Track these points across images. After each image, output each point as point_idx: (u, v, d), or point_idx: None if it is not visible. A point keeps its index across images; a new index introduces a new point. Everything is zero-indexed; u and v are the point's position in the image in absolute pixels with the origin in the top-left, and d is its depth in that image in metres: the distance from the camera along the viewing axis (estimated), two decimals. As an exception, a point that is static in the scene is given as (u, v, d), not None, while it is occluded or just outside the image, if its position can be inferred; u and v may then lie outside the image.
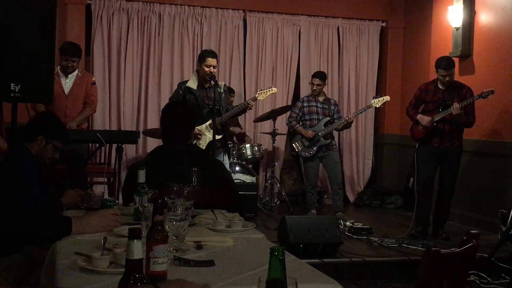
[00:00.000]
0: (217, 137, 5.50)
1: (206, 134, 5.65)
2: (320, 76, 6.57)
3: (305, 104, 6.58)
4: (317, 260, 4.41)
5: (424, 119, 5.56)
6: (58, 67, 5.56)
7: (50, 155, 3.12)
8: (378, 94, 6.72)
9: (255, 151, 6.98)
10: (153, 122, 7.14)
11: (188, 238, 2.28)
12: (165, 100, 6.69)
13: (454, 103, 5.35)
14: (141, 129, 7.11)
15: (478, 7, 6.49)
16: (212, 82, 5.48)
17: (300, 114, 6.57)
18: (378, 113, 8.22)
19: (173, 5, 7.36)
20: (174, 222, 2.12)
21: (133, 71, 7.27)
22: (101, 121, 7.13)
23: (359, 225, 5.95)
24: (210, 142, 5.57)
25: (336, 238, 4.78)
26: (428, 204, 5.70)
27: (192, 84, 5.65)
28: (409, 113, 5.79)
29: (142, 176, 2.78)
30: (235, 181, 5.74)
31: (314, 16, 7.89)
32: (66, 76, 5.59)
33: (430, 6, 7.36)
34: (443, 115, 5.44)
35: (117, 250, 1.94)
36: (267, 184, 7.18)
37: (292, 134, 6.75)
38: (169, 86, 7.25)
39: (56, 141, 3.13)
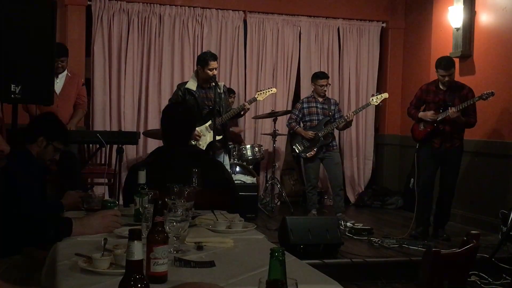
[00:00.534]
0: (217, 137, 5.50)
1: (206, 135, 5.66)
2: (326, 75, 6.63)
3: (305, 105, 6.58)
4: (317, 261, 4.41)
5: (427, 114, 5.55)
6: None
7: (51, 156, 3.12)
8: (378, 92, 6.72)
9: (256, 151, 6.98)
10: (154, 123, 7.14)
11: (188, 239, 2.28)
12: (165, 101, 6.69)
13: (451, 108, 5.35)
14: (141, 130, 7.11)
15: (478, 7, 6.49)
16: (212, 83, 5.49)
17: (300, 115, 6.58)
18: (379, 114, 8.23)
19: (174, 6, 7.36)
20: (174, 223, 2.12)
21: (134, 72, 7.28)
22: (101, 122, 7.13)
23: (360, 225, 5.94)
24: (210, 143, 5.58)
25: (337, 239, 4.78)
26: (428, 204, 5.69)
27: (192, 85, 5.66)
28: (410, 113, 5.78)
29: (142, 177, 2.78)
30: (236, 181, 5.73)
31: (314, 16, 7.89)
32: (56, 77, 5.62)
33: (431, 6, 7.36)
34: (443, 116, 5.43)
35: (117, 251, 1.93)
36: (267, 185, 7.19)
37: (292, 136, 6.76)
38: (169, 87, 7.25)
39: (57, 142, 3.13)
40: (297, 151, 6.53)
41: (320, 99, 6.56)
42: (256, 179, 6.85)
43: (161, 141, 3.57)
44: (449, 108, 5.37)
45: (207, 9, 7.48)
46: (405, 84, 8.04)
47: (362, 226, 5.91)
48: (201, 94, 5.66)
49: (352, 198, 8.02)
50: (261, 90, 6.27)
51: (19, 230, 2.43)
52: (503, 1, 6.14)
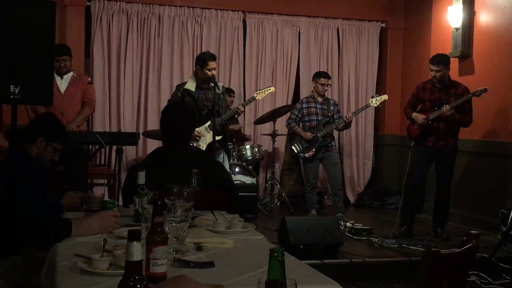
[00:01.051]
0: (217, 138, 5.50)
1: (205, 135, 5.65)
2: (328, 75, 6.65)
3: (304, 106, 6.59)
4: (317, 261, 4.41)
5: (419, 117, 5.56)
6: (53, 71, 5.60)
7: (50, 156, 3.12)
8: (377, 94, 6.73)
9: (255, 152, 6.98)
10: (153, 123, 7.14)
11: (188, 239, 2.28)
12: (165, 102, 6.69)
13: (444, 105, 5.36)
14: (141, 130, 7.11)
15: (477, 7, 6.49)
16: (211, 84, 5.49)
17: (300, 116, 6.58)
18: (378, 114, 8.23)
19: (173, 7, 7.36)
20: (174, 224, 2.12)
21: (133, 73, 7.27)
22: (101, 123, 7.13)
23: (360, 225, 5.94)
24: (210, 143, 5.57)
25: (337, 239, 4.78)
26: (414, 203, 5.71)
27: (191, 86, 5.66)
28: (405, 112, 5.82)
29: (142, 177, 2.78)
30: (235, 182, 5.74)
31: (313, 17, 7.89)
32: (61, 77, 5.63)
33: (430, 6, 7.36)
34: (437, 114, 5.45)
35: (117, 252, 1.93)
36: (267, 185, 7.18)
37: (291, 136, 6.77)
38: (169, 87, 7.25)
39: (56, 143, 3.13)
40: (295, 151, 6.54)
41: (320, 99, 6.57)
42: (256, 179, 6.85)
43: (160, 141, 3.58)
44: (443, 105, 5.38)
45: (207, 10, 7.48)
46: (404, 84, 8.04)
47: (362, 226, 5.91)
48: (200, 95, 5.66)
49: (351, 198, 8.02)
50: (260, 89, 6.27)
51: (19, 230, 2.43)
52: (503, 1, 6.14)
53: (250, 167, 6.99)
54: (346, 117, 6.45)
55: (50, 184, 3.78)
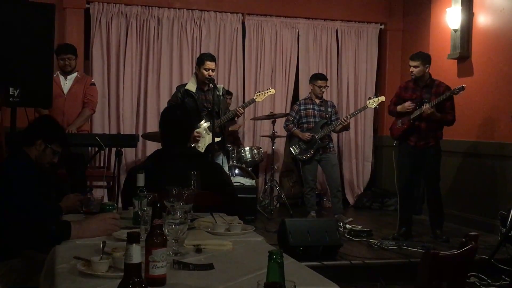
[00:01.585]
0: (216, 139, 5.51)
1: (205, 137, 5.66)
2: (325, 77, 6.66)
3: (302, 107, 6.60)
4: (317, 263, 4.40)
5: (404, 105, 5.57)
6: (58, 71, 5.61)
7: (49, 159, 3.11)
8: (375, 95, 6.74)
9: (255, 154, 6.98)
10: (152, 125, 7.14)
11: (187, 241, 2.28)
12: (164, 104, 6.69)
13: (425, 104, 5.39)
14: (140, 132, 7.11)
15: (476, 9, 6.49)
16: (211, 85, 5.49)
17: (297, 117, 6.59)
18: (377, 115, 8.23)
19: (172, 9, 7.37)
20: (173, 226, 2.12)
21: (132, 75, 7.28)
22: (100, 125, 7.13)
23: (359, 227, 5.94)
24: (209, 145, 5.58)
25: (336, 241, 4.78)
26: (410, 204, 5.72)
27: (191, 87, 5.66)
28: (389, 109, 5.84)
29: (141, 179, 2.78)
30: (235, 184, 5.73)
31: (312, 19, 7.89)
32: (65, 77, 5.64)
33: (429, 8, 7.37)
34: (418, 112, 5.46)
35: (116, 254, 1.93)
36: (266, 187, 7.18)
37: (290, 137, 6.77)
38: (168, 89, 7.25)
39: (55, 145, 3.13)
40: (294, 153, 6.54)
41: (317, 101, 6.58)
42: (255, 181, 6.85)
43: (160, 143, 3.58)
44: (424, 104, 5.39)
45: (206, 12, 7.49)
46: (403, 86, 8.04)
47: (361, 227, 5.91)
48: (201, 96, 5.67)
49: (351, 200, 8.02)
50: (259, 91, 6.28)
51: (18, 233, 2.43)
52: (501, 2, 6.15)
53: (249, 169, 6.99)
54: (343, 119, 6.46)
55: (50, 186, 3.78)
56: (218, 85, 5.67)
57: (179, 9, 7.39)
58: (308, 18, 7.88)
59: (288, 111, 7.24)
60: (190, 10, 7.44)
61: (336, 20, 7.97)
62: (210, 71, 5.59)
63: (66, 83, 5.65)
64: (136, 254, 1.52)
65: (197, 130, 5.55)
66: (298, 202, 7.62)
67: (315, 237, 4.69)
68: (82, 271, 1.89)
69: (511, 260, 4.77)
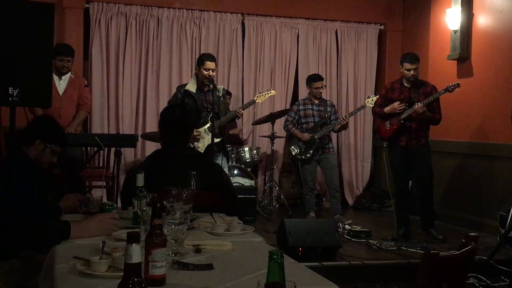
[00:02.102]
0: (216, 140, 5.50)
1: (204, 138, 5.65)
2: (321, 77, 6.68)
3: (301, 107, 6.60)
4: (316, 264, 4.40)
5: (394, 105, 5.56)
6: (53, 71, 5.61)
7: (48, 159, 3.11)
8: (373, 95, 6.74)
9: (254, 154, 6.98)
10: (152, 125, 7.14)
11: (187, 241, 2.28)
12: (163, 104, 6.69)
13: (417, 103, 5.40)
14: (139, 132, 7.10)
15: (476, 9, 6.50)
16: (211, 86, 5.49)
17: (296, 118, 6.60)
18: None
19: (172, 9, 7.37)
20: (172, 226, 2.12)
21: (132, 75, 7.27)
22: (99, 125, 7.13)
23: (358, 228, 5.94)
24: (208, 146, 5.57)
25: (335, 241, 4.78)
26: (407, 205, 5.73)
27: (191, 87, 5.66)
28: (375, 112, 5.83)
29: (140, 179, 2.78)
30: (234, 184, 5.74)
31: (312, 19, 7.89)
32: (60, 78, 5.63)
33: (428, 9, 7.37)
34: (409, 112, 5.47)
35: (115, 254, 1.93)
36: (266, 187, 7.18)
37: (289, 138, 6.77)
38: (167, 89, 7.25)
39: (54, 145, 3.12)
40: (293, 153, 6.54)
41: (316, 101, 6.59)
42: (255, 181, 6.85)
43: (159, 143, 3.57)
44: (415, 103, 5.40)
45: (205, 12, 7.49)
46: (403, 87, 8.04)
47: (361, 228, 5.91)
48: (201, 97, 5.67)
49: (350, 201, 8.02)
50: (260, 92, 6.28)
51: (17, 233, 2.43)
52: (501, 3, 6.15)
53: (248, 169, 6.99)
54: (342, 118, 6.46)
55: (49, 186, 3.78)
56: (218, 86, 5.67)
57: (178, 9, 7.39)
58: (308, 19, 7.88)
59: (287, 108, 7.24)
60: (190, 10, 7.44)
61: (336, 21, 7.97)
62: (210, 71, 5.59)
63: (61, 83, 5.64)
64: (136, 254, 1.52)
65: (196, 130, 5.55)
66: (298, 202, 7.62)
67: (314, 238, 4.68)
68: (81, 271, 1.89)
69: (511, 261, 4.77)
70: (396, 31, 8.14)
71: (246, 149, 7.02)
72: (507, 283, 4.45)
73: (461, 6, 6.52)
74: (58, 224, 2.46)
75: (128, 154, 7.15)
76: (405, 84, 5.61)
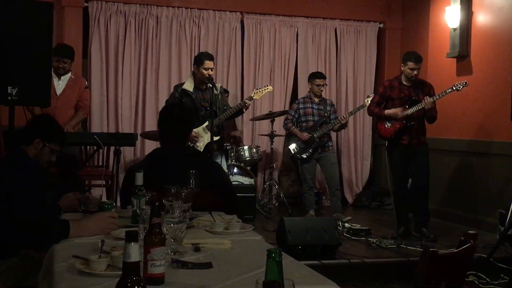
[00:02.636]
0: (215, 138, 5.50)
1: (203, 136, 5.65)
2: (323, 76, 6.67)
3: (300, 106, 6.60)
4: (315, 262, 4.40)
5: (397, 112, 5.55)
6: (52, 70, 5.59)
7: (47, 158, 3.11)
8: (373, 94, 6.74)
9: (253, 153, 6.98)
10: (151, 124, 7.13)
11: (186, 240, 2.28)
12: (163, 103, 6.68)
13: (426, 97, 5.39)
14: (139, 131, 7.10)
15: (475, 7, 6.50)
16: (209, 84, 5.49)
17: (296, 116, 6.59)
18: (376, 114, 8.22)
19: (171, 8, 7.36)
20: (171, 225, 2.12)
21: (131, 74, 7.27)
22: (98, 124, 7.13)
23: (358, 226, 5.94)
24: (207, 144, 5.57)
25: (335, 240, 4.78)
26: (406, 204, 5.73)
27: (189, 86, 5.65)
28: (373, 112, 5.77)
29: (139, 178, 2.78)
30: (233, 183, 5.74)
31: (311, 17, 7.89)
32: (59, 78, 5.62)
33: (427, 7, 7.37)
34: (413, 110, 5.46)
35: (114, 253, 1.93)
36: (265, 186, 7.18)
37: (288, 136, 6.77)
38: (167, 88, 7.25)
39: (53, 144, 3.13)
40: (292, 152, 6.54)
41: (316, 100, 6.58)
42: (254, 180, 6.85)
43: (158, 142, 3.57)
44: (425, 98, 5.39)
45: (204, 11, 7.48)
46: (402, 85, 8.04)
47: (360, 226, 5.91)
48: (198, 96, 5.66)
49: (350, 199, 8.02)
50: (257, 89, 6.28)
51: (16, 232, 2.43)
52: (500, 1, 6.15)
53: (248, 168, 6.99)
54: (341, 117, 6.46)
55: (48, 185, 3.78)
56: (216, 84, 5.67)
57: (178, 7, 7.38)
58: (307, 17, 7.87)
59: (286, 109, 7.23)
60: (189, 9, 7.43)
61: (335, 19, 7.97)
62: (209, 70, 5.58)
63: (59, 84, 5.62)
64: (135, 252, 1.52)
65: (195, 129, 5.55)
66: (297, 201, 7.61)
67: (314, 236, 4.69)
68: (80, 269, 1.89)
69: (510, 258, 4.77)
70: (396, 29, 8.14)
71: (246, 147, 7.02)
72: (507, 280, 4.45)
73: (460, 4, 6.52)
74: (57, 223, 2.46)
75: (127, 153, 7.14)
76: (404, 83, 5.60)
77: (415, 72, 5.50)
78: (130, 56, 7.24)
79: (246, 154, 6.93)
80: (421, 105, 5.41)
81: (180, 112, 3.48)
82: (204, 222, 2.69)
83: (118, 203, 3.53)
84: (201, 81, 5.63)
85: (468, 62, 6.57)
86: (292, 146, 6.53)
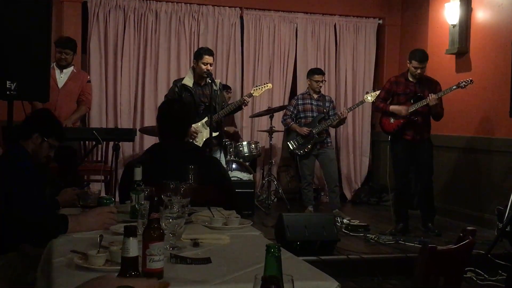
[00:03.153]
0: (214, 134, 5.50)
1: (202, 132, 5.65)
2: (322, 72, 6.66)
3: (299, 102, 6.60)
4: (314, 258, 4.40)
5: (401, 110, 5.56)
6: (54, 63, 5.57)
7: (46, 153, 3.10)
8: (372, 90, 6.74)
9: (252, 148, 6.98)
10: (150, 119, 7.13)
11: (184, 235, 2.28)
12: (162, 98, 6.66)
13: (430, 94, 5.39)
14: (138, 126, 7.10)
15: (474, 4, 6.49)
16: (209, 80, 5.48)
17: (295, 112, 6.59)
18: (375, 110, 8.22)
19: (170, 3, 7.35)
20: (170, 220, 2.12)
21: (130, 69, 7.26)
22: (97, 119, 7.12)
23: (356, 222, 5.94)
24: (206, 140, 5.57)
25: (333, 236, 4.78)
26: (407, 200, 5.73)
27: (188, 81, 5.65)
28: (378, 106, 5.79)
29: (138, 173, 2.77)
30: (232, 178, 5.73)
31: (311, 13, 7.88)
32: (61, 71, 5.61)
33: (427, 3, 7.36)
34: (417, 106, 5.47)
35: (113, 248, 1.93)
36: (264, 181, 7.19)
37: (287, 132, 6.77)
38: (166, 83, 7.24)
39: (52, 139, 3.12)
40: (291, 147, 6.54)
41: (315, 96, 6.58)
42: (253, 176, 6.85)
43: (157, 138, 3.57)
44: (429, 95, 5.39)
45: (204, 6, 7.47)
46: (401, 81, 8.03)
47: (359, 222, 5.91)
48: (198, 91, 5.66)
49: (348, 195, 8.03)
50: (257, 86, 6.28)
51: (15, 227, 2.43)
52: (500, -3, 6.14)
53: (247, 163, 6.99)
54: (340, 113, 6.46)
55: (46, 180, 3.77)
56: (215, 80, 5.66)
57: (177, 3, 7.37)
58: (307, 13, 7.86)
59: (285, 104, 7.23)
60: (188, 4, 7.42)
61: (335, 15, 7.96)
62: (208, 65, 5.58)
63: (61, 76, 5.61)
64: (133, 247, 1.52)
65: (194, 125, 5.54)
66: (296, 197, 7.62)
67: (312, 232, 4.69)
68: (79, 264, 1.89)
69: (508, 255, 4.78)
70: (395, 25, 8.13)
71: (245, 143, 7.02)
72: (505, 277, 4.46)
73: (459, 0, 6.51)
74: (56, 218, 2.46)
75: (126, 148, 7.14)
76: (410, 79, 5.61)
77: (419, 71, 5.50)
78: (129, 51, 7.22)
79: (245, 150, 6.93)
80: (425, 101, 5.42)
81: (179, 108, 3.47)
82: (203, 218, 2.69)
83: (117, 198, 3.52)
84: (201, 77, 5.62)
85: (468, 58, 6.56)
86: (291, 142, 6.53)
